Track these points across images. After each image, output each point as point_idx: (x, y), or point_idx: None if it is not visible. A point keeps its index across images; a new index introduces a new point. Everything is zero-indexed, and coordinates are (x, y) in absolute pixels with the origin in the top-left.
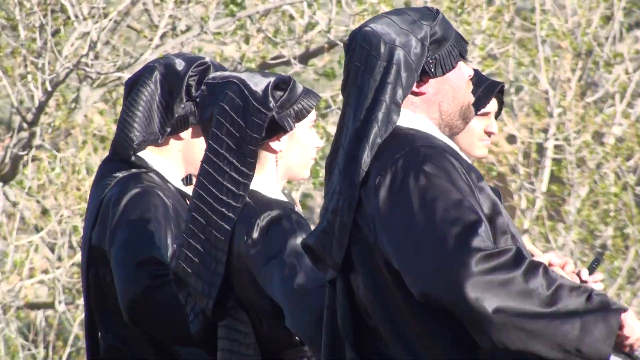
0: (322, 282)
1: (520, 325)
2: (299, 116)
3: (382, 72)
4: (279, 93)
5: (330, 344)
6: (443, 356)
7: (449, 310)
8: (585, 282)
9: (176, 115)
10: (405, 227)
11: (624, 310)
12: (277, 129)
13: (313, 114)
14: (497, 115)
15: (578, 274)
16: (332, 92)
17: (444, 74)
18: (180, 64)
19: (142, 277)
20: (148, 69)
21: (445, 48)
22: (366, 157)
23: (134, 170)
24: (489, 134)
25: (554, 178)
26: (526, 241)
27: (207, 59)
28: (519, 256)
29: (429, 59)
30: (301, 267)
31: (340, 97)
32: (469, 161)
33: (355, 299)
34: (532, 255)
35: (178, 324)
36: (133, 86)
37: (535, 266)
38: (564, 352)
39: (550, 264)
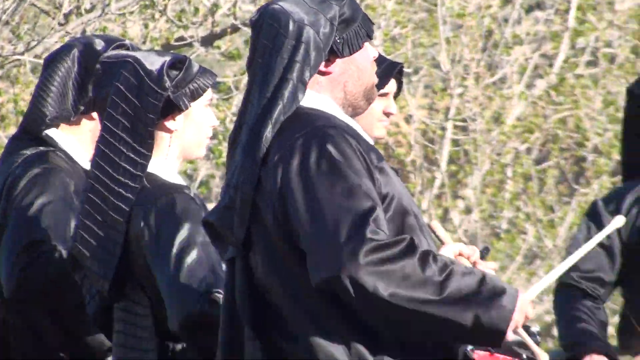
0: (212, 267)
1: (414, 309)
2: (195, 95)
3: (290, 50)
4: (175, 72)
5: (229, 323)
6: (342, 335)
7: (340, 293)
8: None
9: (90, 94)
10: (305, 210)
11: (516, 293)
12: (172, 109)
13: (209, 93)
14: (396, 95)
15: (474, 263)
16: (236, 72)
17: (350, 54)
18: (99, 44)
19: (23, 261)
20: (67, 47)
21: (353, 28)
22: (268, 134)
23: (41, 149)
24: (387, 114)
25: (454, 158)
26: (437, 226)
27: (127, 41)
28: (412, 246)
29: (337, 38)
30: (192, 255)
31: (245, 79)
32: (371, 141)
33: (254, 278)
34: (443, 244)
35: (66, 301)
36: (51, 63)
37: (426, 254)
38: (458, 337)
39: (460, 254)
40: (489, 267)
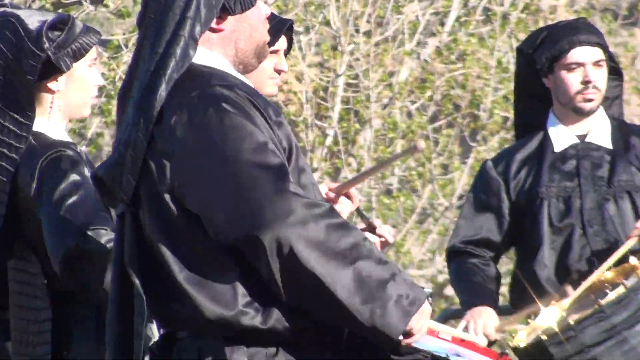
0: (96, 209)
1: (321, 279)
2: (77, 55)
3: (182, 6)
4: (56, 33)
5: (119, 280)
6: (230, 299)
7: (255, 250)
8: (374, 227)
9: None
10: (208, 169)
11: (423, 298)
12: (53, 70)
13: (93, 52)
14: (287, 53)
15: (370, 224)
16: (125, 30)
17: (242, 11)
18: None
19: None
20: None
21: None
22: (162, 92)
23: None
24: (278, 71)
25: (345, 117)
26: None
27: (7, 1)
28: (333, 211)
29: None
30: (74, 197)
31: (134, 37)
32: (265, 98)
33: (143, 234)
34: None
35: None
36: None
37: (345, 225)
38: (350, 325)
39: (373, 226)
40: (385, 231)
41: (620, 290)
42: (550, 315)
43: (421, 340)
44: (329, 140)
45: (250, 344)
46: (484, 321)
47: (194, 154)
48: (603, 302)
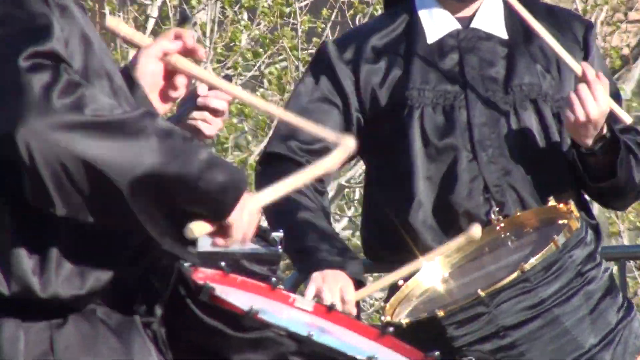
0: None
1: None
2: None
3: None
4: None
5: None
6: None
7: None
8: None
9: None
10: None
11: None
12: None
13: None
14: None
15: (195, 90)
16: None
17: None
18: None
19: None
20: None
21: None
22: None
23: None
24: None
25: None
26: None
27: None
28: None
29: None
30: None
31: None
32: None
33: None
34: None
35: None
36: None
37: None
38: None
39: (165, 52)
40: (219, 96)
41: (549, 250)
42: (430, 276)
43: (271, 311)
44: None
45: (27, 316)
46: (340, 285)
47: None
48: (526, 266)
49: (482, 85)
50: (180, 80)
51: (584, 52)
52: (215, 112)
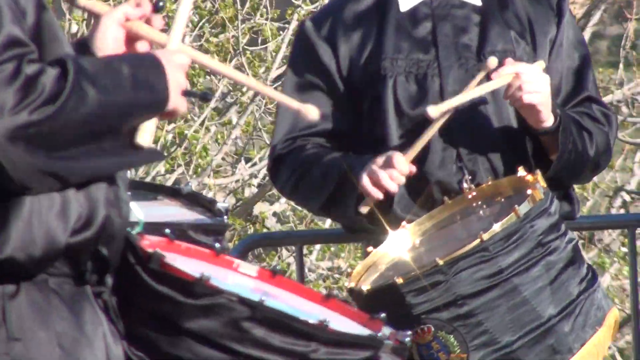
0: None
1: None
2: None
3: None
4: None
5: None
6: None
7: None
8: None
9: None
10: None
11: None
12: None
13: None
14: None
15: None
16: None
17: None
18: None
19: None
20: None
21: None
22: None
23: None
24: None
25: None
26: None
27: None
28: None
29: None
30: None
31: None
32: None
33: None
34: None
35: None
36: None
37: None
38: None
39: (127, 18)
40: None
41: (510, 219)
42: (400, 244)
43: (216, 276)
44: None
45: None
46: (388, 158)
47: None
48: (485, 235)
49: (456, 52)
50: (141, 46)
51: (557, 17)
52: None
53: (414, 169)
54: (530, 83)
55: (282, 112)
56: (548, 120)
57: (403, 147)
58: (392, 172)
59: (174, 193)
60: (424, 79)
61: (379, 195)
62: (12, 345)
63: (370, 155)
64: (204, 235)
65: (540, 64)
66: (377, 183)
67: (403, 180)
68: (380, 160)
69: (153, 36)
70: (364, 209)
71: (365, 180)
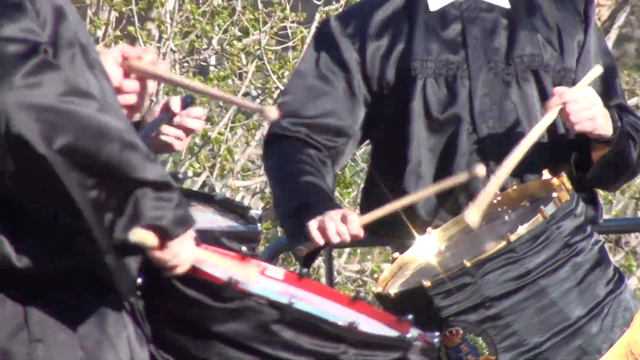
0: None
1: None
2: None
3: None
4: None
5: None
6: None
7: None
8: (175, 114)
9: None
10: None
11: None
12: None
13: None
14: None
15: (167, 104)
16: None
17: None
18: None
19: None
20: None
21: None
22: None
23: None
24: None
25: None
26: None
27: None
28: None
29: None
30: None
31: None
32: None
33: None
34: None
35: None
36: None
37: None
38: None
39: (124, 56)
40: (195, 115)
41: (537, 220)
42: (426, 249)
43: (243, 280)
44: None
45: (2, 287)
46: (342, 212)
47: None
48: (512, 236)
49: (485, 55)
50: (130, 85)
51: (584, 24)
52: (188, 131)
53: (362, 234)
54: (576, 113)
55: (290, 95)
56: (607, 132)
57: (431, 148)
58: (342, 227)
59: (207, 199)
60: (453, 81)
61: (320, 241)
62: (34, 347)
63: (333, 204)
64: (238, 242)
65: (597, 70)
66: (323, 231)
67: (348, 239)
68: (336, 214)
69: (154, 71)
70: (300, 252)
71: (313, 225)
